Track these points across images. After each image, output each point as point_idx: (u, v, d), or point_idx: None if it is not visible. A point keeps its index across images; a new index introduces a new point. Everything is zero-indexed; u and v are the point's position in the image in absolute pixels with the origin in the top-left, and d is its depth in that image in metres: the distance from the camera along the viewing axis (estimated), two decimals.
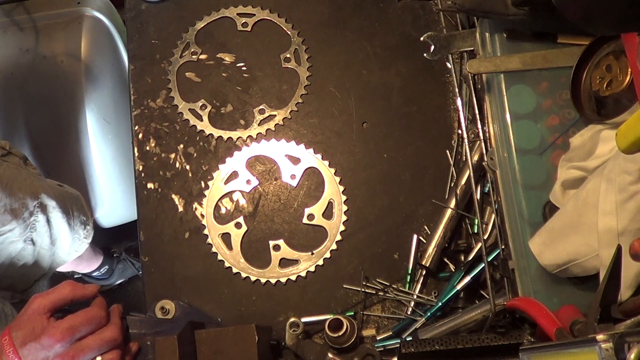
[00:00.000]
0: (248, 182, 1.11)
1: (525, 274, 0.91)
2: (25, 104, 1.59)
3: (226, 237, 1.09)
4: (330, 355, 0.97)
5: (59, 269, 1.71)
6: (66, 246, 1.40)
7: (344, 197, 1.09)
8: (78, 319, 0.86)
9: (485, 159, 0.99)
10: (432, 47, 0.99)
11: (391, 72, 1.16)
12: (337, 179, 1.10)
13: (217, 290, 1.07)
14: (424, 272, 1.05)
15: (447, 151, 1.11)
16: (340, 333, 0.95)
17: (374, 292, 1.05)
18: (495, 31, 0.97)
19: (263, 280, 1.06)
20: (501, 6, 0.90)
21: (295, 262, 1.07)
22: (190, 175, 1.13)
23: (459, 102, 1.06)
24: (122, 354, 0.90)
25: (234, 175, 1.12)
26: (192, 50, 1.18)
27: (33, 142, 1.60)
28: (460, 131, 1.09)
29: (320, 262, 1.07)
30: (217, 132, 1.14)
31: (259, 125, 1.14)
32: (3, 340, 0.84)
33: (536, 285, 0.90)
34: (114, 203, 1.70)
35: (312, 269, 1.07)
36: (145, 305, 1.06)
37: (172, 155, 1.14)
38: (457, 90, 1.07)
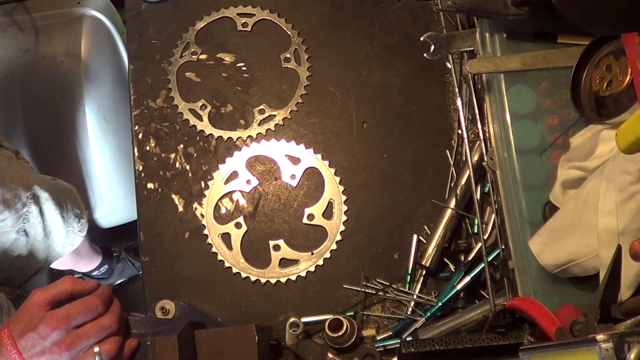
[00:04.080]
0: (248, 182, 1.11)
1: (525, 274, 0.91)
2: (25, 104, 1.59)
3: (226, 237, 1.09)
4: (330, 355, 0.97)
5: (58, 268, 1.71)
6: (60, 239, 1.39)
7: (344, 197, 1.09)
8: (74, 307, 0.87)
9: (485, 159, 0.99)
10: (432, 47, 0.99)
11: (391, 72, 1.16)
12: (337, 179, 1.10)
13: (217, 290, 1.07)
14: (424, 272, 1.05)
15: (447, 151, 1.11)
16: (340, 333, 0.95)
17: (374, 292, 1.05)
18: (495, 31, 0.97)
19: (263, 280, 1.06)
20: (501, 6, 0.90)
21: (295, 262, 1.07)
22: (190, 175, 1.13)
23: (459, 102, 1.06)
24: (120, 344, 0.90)
25: (234, 175, 1.12)
26: (192, 50, 1.18)
27: (33, 142, 1.60)
28: (460, 131, 1.09)
29: (320, 262, 1.07)
30: (217, 132, 1.14)
31: (259, 125, 1.14)
32: (2, 334, 0.84)
33: (536, 285, 0.90)
34: (114, 203, 1.70)
35: (312, 269, 1.07)
36: (145, 305, 1.06)
37: (172, 155, 1.14)
38: (457, 90, 1.07)
